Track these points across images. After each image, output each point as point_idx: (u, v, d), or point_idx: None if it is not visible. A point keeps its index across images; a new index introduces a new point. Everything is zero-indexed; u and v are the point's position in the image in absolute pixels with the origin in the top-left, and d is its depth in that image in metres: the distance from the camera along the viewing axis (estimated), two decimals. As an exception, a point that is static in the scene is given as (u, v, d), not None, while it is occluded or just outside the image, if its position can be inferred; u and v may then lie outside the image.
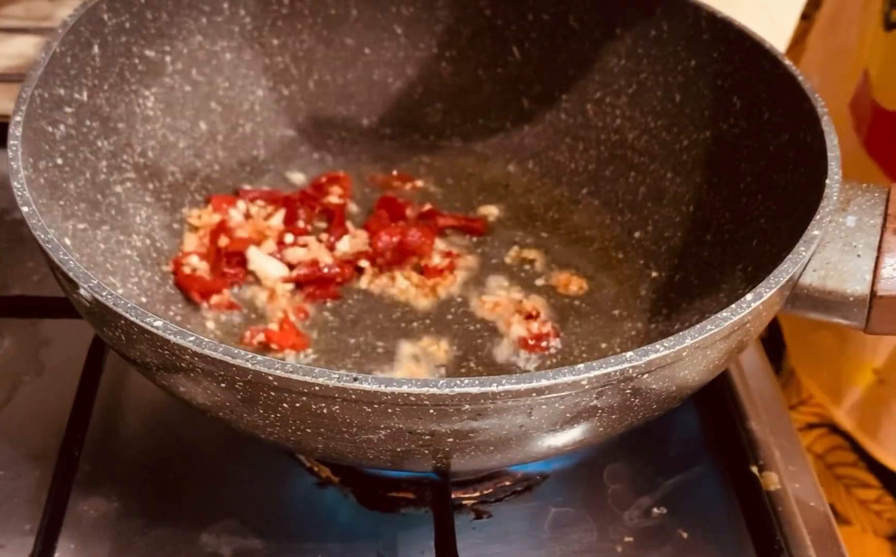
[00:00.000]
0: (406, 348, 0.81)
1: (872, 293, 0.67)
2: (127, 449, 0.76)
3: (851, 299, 0.67)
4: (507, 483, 0.76)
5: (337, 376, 0.53)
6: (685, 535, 0.74)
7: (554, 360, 0.81)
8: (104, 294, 0.57)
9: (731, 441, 0.79)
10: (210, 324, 0.81)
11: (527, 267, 0.88)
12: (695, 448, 0.80)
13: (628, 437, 0.79)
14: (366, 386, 0.53)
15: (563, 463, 0.77)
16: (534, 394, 0.54)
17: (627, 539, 0.73)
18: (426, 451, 0.58)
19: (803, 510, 0.75)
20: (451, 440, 0.57)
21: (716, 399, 0.81)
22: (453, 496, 0.74)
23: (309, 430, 0.57)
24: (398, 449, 0.58)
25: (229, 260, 0.84)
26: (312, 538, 0.71)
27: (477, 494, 0.75)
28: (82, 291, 0.58)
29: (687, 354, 0.57)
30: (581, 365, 0.54)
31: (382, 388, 0.53)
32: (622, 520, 0.74)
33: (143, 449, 0.76)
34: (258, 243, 0.86)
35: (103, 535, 0.70)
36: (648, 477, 0.77)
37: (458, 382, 0.53)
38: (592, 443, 0.66)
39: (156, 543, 0.70)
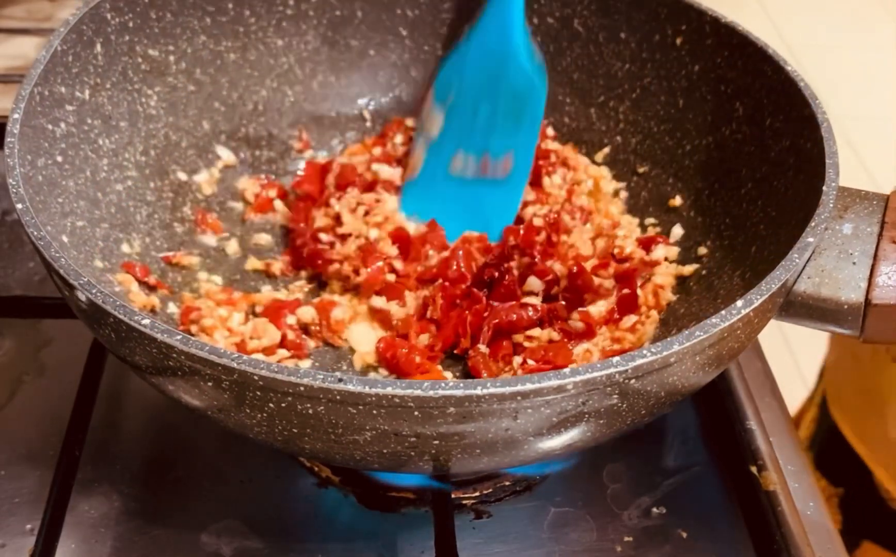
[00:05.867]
0: None
1: (867, 301, 0.66)
2: (127, 450, 0.76)
3: (846, 307, 0.67)
4: (507, 483, 0.76)
5: (322, 377, 0.53)
6: (684, 535, 0.74)
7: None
8: (94, 291, 0.58)
9: (731, 441, 0.79)
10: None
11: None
12: (694, 448, 0.80)
13: (628, 438, 0.78)
14: (350, 388, 0.53)
15: (563, 465, 0.78)
16: (518, 398, 0.54)
17: (627, 538, 0.73)
18: (412, 453, 0.58)
19: (802, 509, 0.75)
20: (436, 442, 0.57)
21: (715, 399, 0.81)
22: (453, 496, 0.74)
23: (295, 430, 0.57)
24: (384, 451, 0.58)
25: None
26: (313, 538, 0.72)
27: (477, 494, 0.75)
28: (74, 289, 0.59)
29: (675, 360, 0.57)
30: (566, 369, 0.54)
31: (366, 390, 0.53)
32: (622, 520, 0.75)
33: (144, 449, 0.77)
34: None
35: (104, 535, 0.71)
36: (648, 477, 0.77)
37: (442, 385, 0.53)
38: (585, 448, 0.65)
39: (156, 543, 0.71)
